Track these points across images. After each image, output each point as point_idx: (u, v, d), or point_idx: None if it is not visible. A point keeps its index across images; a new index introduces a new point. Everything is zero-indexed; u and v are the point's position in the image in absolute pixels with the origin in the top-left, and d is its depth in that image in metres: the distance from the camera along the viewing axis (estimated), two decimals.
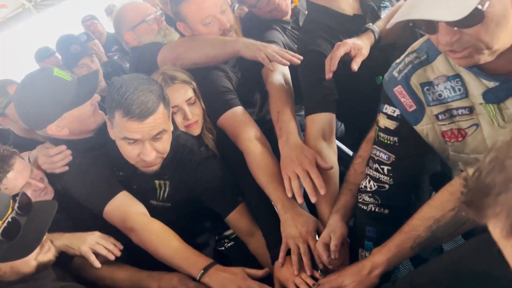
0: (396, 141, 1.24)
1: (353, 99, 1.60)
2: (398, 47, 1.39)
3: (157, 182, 1.60)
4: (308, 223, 1.38)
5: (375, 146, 1.30)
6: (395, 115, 1.22)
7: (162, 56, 1.85)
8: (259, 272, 1.42)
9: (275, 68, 1.66)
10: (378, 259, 1.19)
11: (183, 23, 1.79)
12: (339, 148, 1.89)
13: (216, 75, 1.75)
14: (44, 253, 1.24)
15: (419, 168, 1.29)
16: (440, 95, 1.13)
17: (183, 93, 1.65)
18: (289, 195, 1.37)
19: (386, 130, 1.25)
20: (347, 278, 1.22)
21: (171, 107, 1.54)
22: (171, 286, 1.42)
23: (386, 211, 1.30)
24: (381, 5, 1.64)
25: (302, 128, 1.78)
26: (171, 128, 1.49)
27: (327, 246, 1.30)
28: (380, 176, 1.29)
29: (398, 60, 1.21)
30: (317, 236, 1.39)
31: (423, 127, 1.19)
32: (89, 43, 3.39)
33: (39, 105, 1.50)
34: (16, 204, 1.21)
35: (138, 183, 1.60)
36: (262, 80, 1.79)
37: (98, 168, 1.58)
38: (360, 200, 1.34)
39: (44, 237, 1.23)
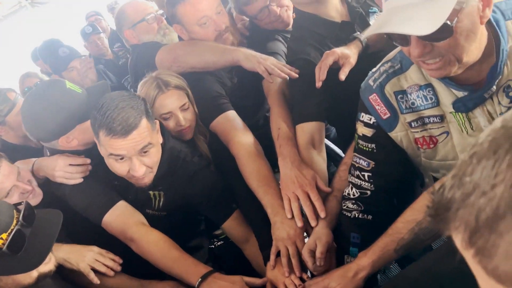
0: (374, 147, 1.28)
1: (343, 105, 1.61)
2: (386, 54, 1.43)
3: (151, 192, 1.61)
4: (296, 226, 1.40)
5: (355, 154, 1.33)
6: (371, 122, 1.26)
7: (161, 57, 1.86)
8: (257, 281, 1.43)
9: (274, 80, 1.67)
10: (363, 262, 1.22)
11: (179, 25, 1.80)
12: (333, 151, 1.92)
13: (208, 80, 1.77)
14: (45, 264, 1.22)
15: (399, 173, 1.31)
16: (413, 103, 1.17)
17: (177, 100, 1.65)
18: (289, 216, 1.39)
19: (364, 138, 1.29)
20: (333, 280, 1.24)
21: (165, 113, 1.56)
22: None
23: (370, 217, 1.33)
24: (370, 10, 1.66)
25: None
26: (159, 141, 1.49)
27: (312, 253, 1.32)
28: (361, 182, 1.32)
29: (374, 69, 1.25)
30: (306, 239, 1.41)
31: (397, 134, 1.23)
32: (93, 36, 3.31)
33: (53, 117, 1.50)
34: (21, 215, 1.18)
35: (133, 193, 1.61)
36: (258, 86, 1.81)
37: (97, 178, 1.59)
38: (344, 207, 1.36)
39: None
